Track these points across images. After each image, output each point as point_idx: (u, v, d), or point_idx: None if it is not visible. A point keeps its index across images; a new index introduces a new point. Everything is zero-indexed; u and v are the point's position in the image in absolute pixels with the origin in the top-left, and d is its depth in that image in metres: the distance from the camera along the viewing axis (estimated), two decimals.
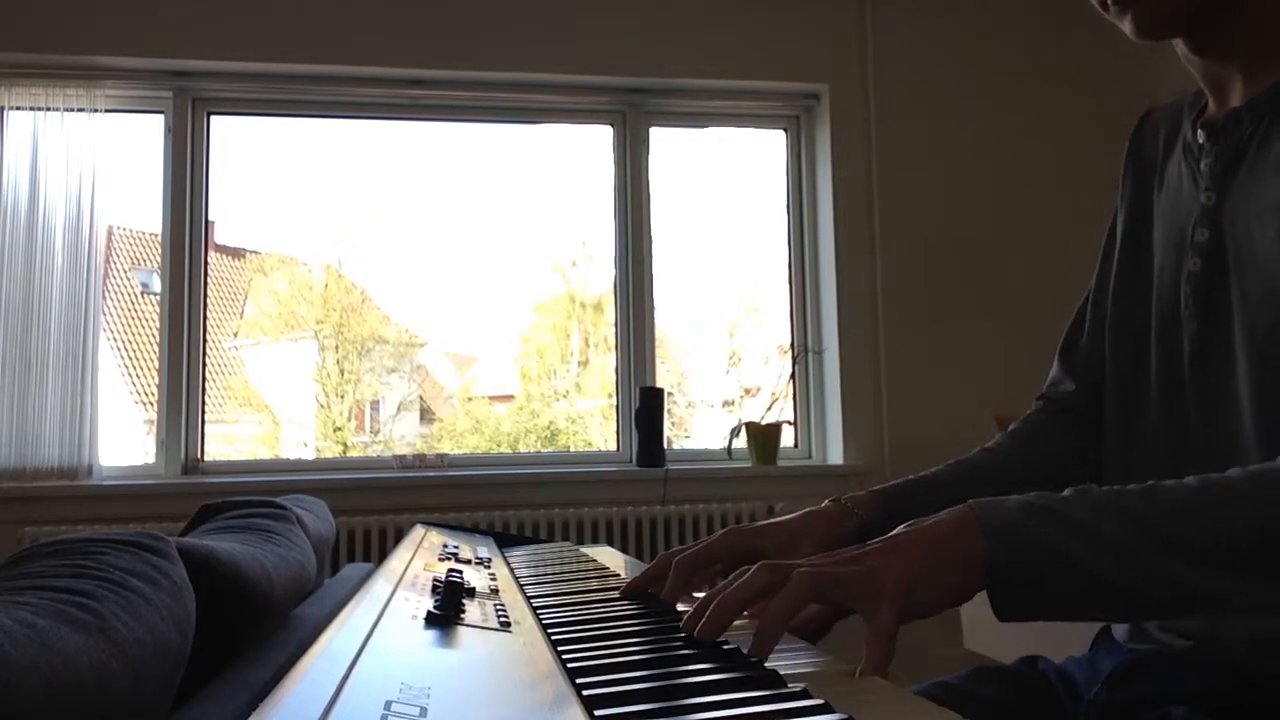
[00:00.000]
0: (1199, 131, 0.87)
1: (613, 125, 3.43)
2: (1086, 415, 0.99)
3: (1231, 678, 0.78)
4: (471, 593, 0.77)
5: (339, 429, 3.61)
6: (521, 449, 3.64)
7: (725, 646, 0.63)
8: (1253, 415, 0.77)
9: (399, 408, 3.74)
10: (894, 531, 0.67)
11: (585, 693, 0.51)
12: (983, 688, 0.92)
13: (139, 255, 3.54)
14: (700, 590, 0.88)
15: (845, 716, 0.45)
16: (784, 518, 0.94)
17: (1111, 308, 0.96)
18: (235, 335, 3.66)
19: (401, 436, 3.72)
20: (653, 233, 3.40)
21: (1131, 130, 1.00)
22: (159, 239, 3.16)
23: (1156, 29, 0.82)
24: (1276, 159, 0.77)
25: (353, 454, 3.57)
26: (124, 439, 3.26)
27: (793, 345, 3.47)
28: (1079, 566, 0.62)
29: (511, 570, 1.04)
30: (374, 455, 3.53)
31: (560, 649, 0.62)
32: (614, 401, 3.43)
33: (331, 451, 3.57)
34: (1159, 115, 0.98)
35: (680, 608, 0.79)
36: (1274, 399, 0.76)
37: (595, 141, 3.49)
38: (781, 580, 0.64)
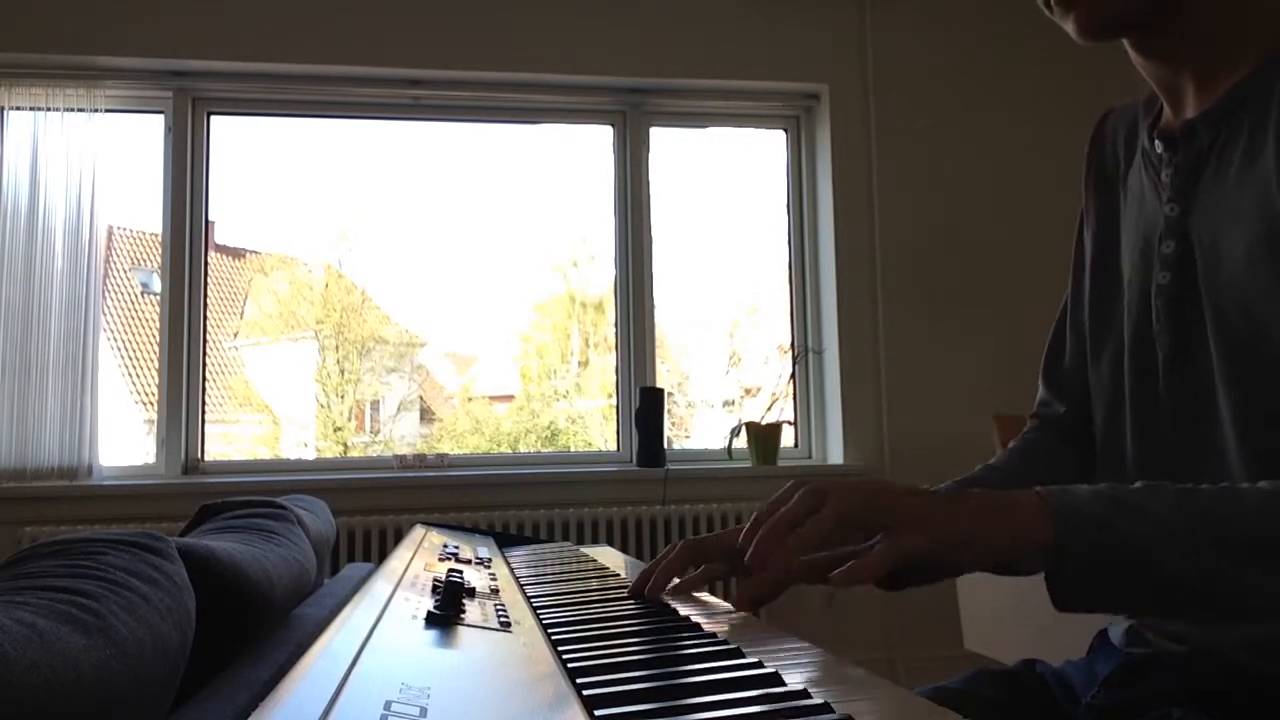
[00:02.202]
0: (1157, 141, 0.87)
1: (613, 125, 3.43)
2: (1080, 434, 0.98)
3: (1228, 680, 0.77)
4: (471, 593, 0.77)
5: (339, 429, 3.61)
6: (521, 449, 3.64)
7: (725, 646, 0.63)
8: (1233, 427, 0.77)
9: (399, 408, 3.74)
10: (960, 492, 0.67)
11: (585, 693, 0.51)
12: (981, 690, 0.92)
13: (139, 255, 3.54)
14: (695, 585, 0.87)
15: (845, 716, 0.45)
16: None
17: (1090, 322, 0.95)
18: (235, 335, 3.66)
19: (401, 436, 3.72)
20: (653, 233, 3.40)
21: (1091, 134, 1.00)
22: (159, 239, 3.16)
23: (1097, 30, 0.82)
24: (1237, 171, 0.77)
25: (353, 454, 3.57)
26: (124, 439, 3.26)
27: (793, 345, 3.47)
28: (1146, 553, 0.62)
29: (511, 570, 1.04)
30: (374, 455, 3.53)
31: (560, 649, 0.62)
32: (614, 401, 3.43)
33: (331, 451, 3.57)
34: (1116, 118, 0.98)
35: (683, 609, 0.79)
36: (1254, 410, 0.75)
37: (595, 141, 3.49)
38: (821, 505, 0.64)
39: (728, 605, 0.80)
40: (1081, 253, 0.99)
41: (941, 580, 0.68)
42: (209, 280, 3.20)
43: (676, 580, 0.86)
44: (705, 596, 0.86)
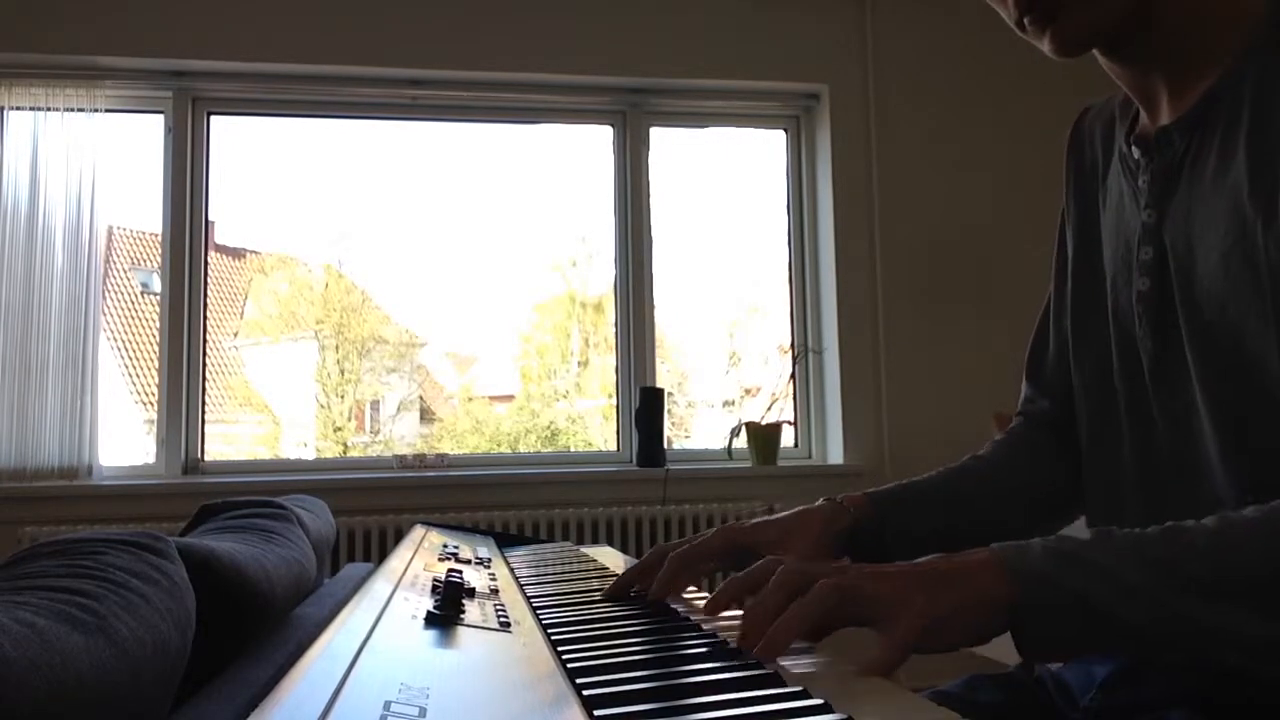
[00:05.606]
0: (1133, 147, 0.87)
1: (613, 125, 3.43)
2: (1065, 429, 1.00)
3: (1225, 683, 0.77)
4: (471, 593, 0.77)
5: (339, 429, 3.61)
6: (521, 449, 3.64)
7: (725, 646, 0.63)
8: (1211, 426, 0.79)
9: (399, 408, 3.74)
10: (920, 560, 0.67)
11: (585, 693, 0.51)
12: (979, 694, 0.92)
13: (139, 255, 3.54)
14: (689, 587, 0.88)
15: (845, 716, 0.45)
16: (777, 515, 0.94)
17: (1072, 324, 0.97)
18: (235, 335, 3.66)
19: (401, 436, 3.72)
20: (653, 233, 3.40)
21: (1069, 133, 1.01)
22: (159, 239, 3.16)
23: (1074, 48, 0.82)
24: (1212, 178, 0.78)
25: (353, 454, 3.57)
26: (124, 439, 3.26)
27: (793, 345, 3.47)
28: (1102, 610, 0.63)
29: (511, 570, 1.04)
30: (374, 455, 3.53)
31: (560, 649, 0.62)
32: (614, 401, 3.43)
33: (331, 451, 3.57)
34: (1093, 117, 0.99)
35: (683, 609, 0.79)
36: (1229, 411, 0.77)
37: (595, 141, 3.49)
38: (806, 586, 0.63)
39: None
40: (1064, 252, 0.99)
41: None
42: (209, 280, 3.20)
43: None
44: (704, 597, 0.86)
